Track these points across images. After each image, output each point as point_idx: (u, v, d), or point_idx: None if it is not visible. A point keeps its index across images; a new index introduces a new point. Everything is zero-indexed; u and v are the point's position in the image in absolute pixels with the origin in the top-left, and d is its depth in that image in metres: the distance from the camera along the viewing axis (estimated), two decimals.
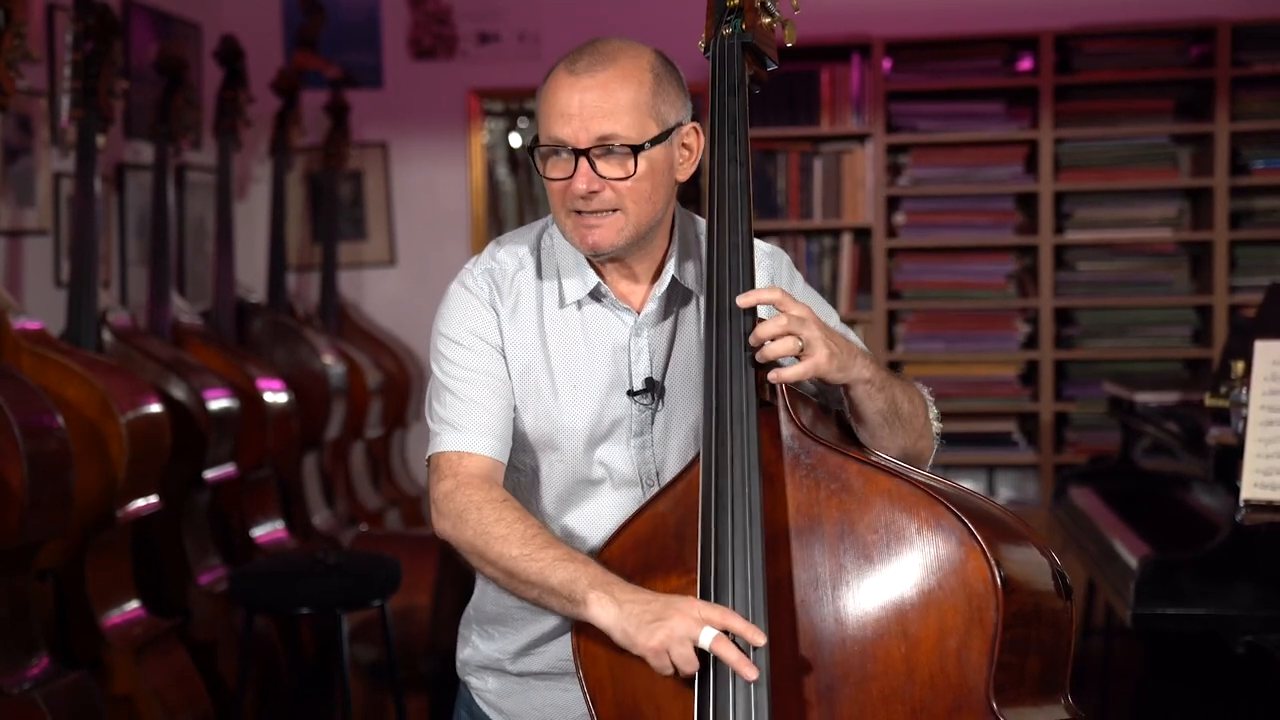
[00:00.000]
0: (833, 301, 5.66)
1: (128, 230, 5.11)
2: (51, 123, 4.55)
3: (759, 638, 1.77)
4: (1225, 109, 5.49)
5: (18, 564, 3.30)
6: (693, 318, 2.10)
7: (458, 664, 2.27)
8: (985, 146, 5.74)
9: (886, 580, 1.81)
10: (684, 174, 2.07)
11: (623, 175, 1.97)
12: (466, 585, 2.31)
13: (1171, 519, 3.84)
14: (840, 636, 1.82)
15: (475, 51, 6.07)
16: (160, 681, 3.75)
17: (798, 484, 1.87)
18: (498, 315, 2.08)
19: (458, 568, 4.50)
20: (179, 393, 4.22)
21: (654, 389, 2.07)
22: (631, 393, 2.06)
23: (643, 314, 2.07)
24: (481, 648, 2.21)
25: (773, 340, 1.88)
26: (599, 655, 1.91)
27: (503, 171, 7.33)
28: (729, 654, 1.76)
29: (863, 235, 5.81)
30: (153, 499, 3.87)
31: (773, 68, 2.13)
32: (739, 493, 1.84)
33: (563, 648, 2.06)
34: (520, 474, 2.12)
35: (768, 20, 2.07)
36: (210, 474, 4.32)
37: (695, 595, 1.83)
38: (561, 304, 2.08)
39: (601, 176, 1.96)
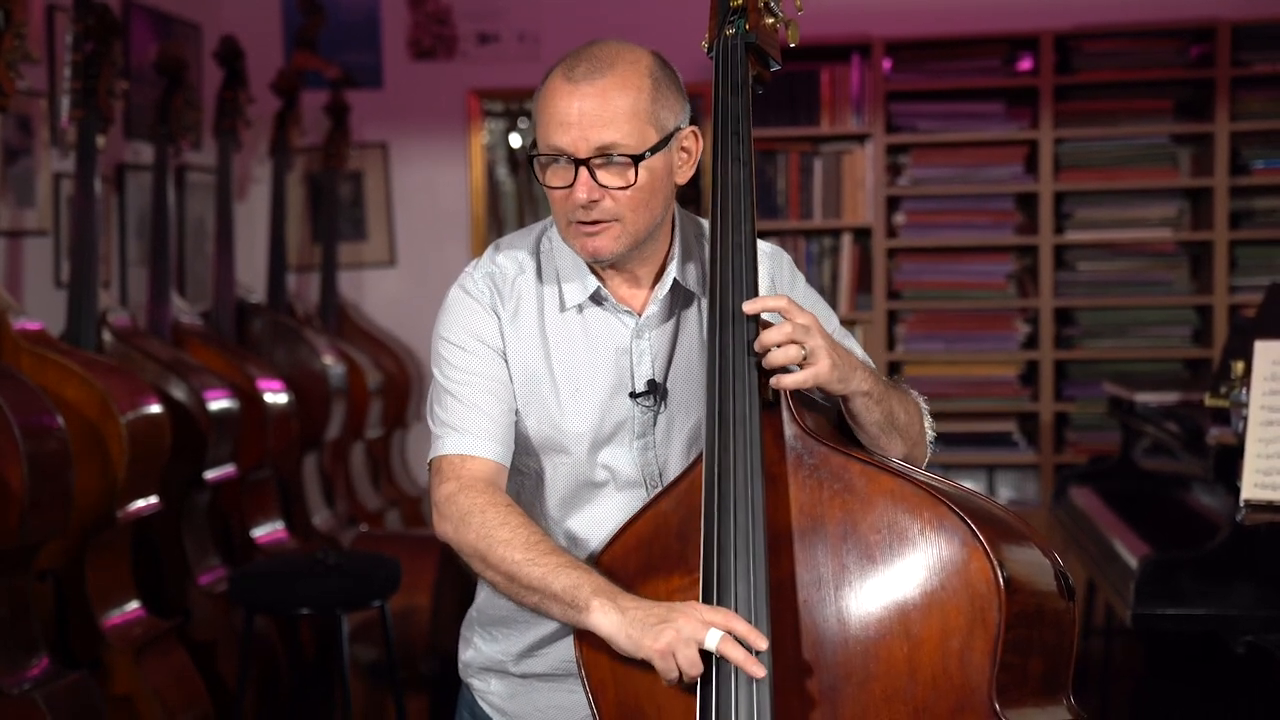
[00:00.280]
0: (832, 302, 5.65)
1: (128, 231, 5.10)
2: (51, 123, 4.55)
3: (761, 641, 1.77)
4: (1225, 109, 5.50)
5: (18, 564, 3.29)
6: (695, 319, 2.10)
7: (460, 666, 2.27)
8: (985, 146, 5.74)
9: (889, 580, 1.81)
10: (683, 177, 2.06)
11: (623, 185, 1.96)
12: (467, 586, 2.31)
13: (1172, 519, 3.84)
14: (843, 637, 1.82)
15: (475, 52, 6.07)
16: (160, 682, 3.75)
17: (800, 484, 1.87)
18: (499, 319, 2.08)
19: (458, 568, 4.50)
20: (179, 393, 4.21)
21: (656, 391, 2.07)
22: (634, 395, 2.06)
23: (644, 316, 2.07)
24: (484, 649, 2.20)
25: (777, 347, 1.87)
26: (601, 656, 1.90)
27: (503, 172, 7.32)
28: (735, 654, 1.76)
29: (863, 235, 5.82)
30: (153, 499, 3.87)
31: (776, 68, 2.13)
32: (741, 493, 1.83)
33: (566, 649, 2.06)
34: (524, 477, 2.12)
35: (771, 20, 2.06)
36: (210, 474, 4.32)
37: (698, 595, 1.83)
38: (562, 308, 2.08)
39: (601, 186, 1.96)
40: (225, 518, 4.59)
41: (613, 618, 1.82)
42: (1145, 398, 4.35)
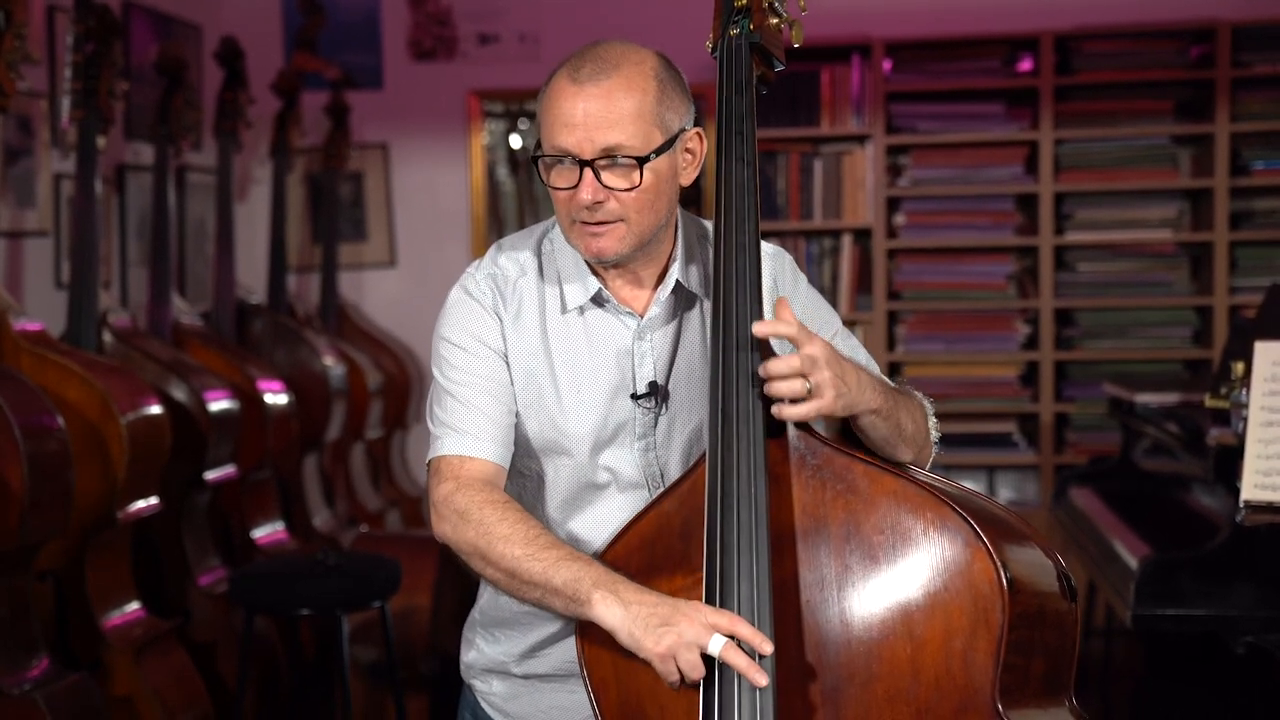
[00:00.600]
0: (833, 303, 5.64)
1: (128, 231, 5.10)
2: (52, 124, 4.55)
3: (766, 646, 1.76)
4: (1225, 110, 5.50)
5: (18, 564, 3.29)
6: (697, 321, 2.10)
7: (462, 667, 2.27)
8: (985, 147, 5.74)
9: (892, 581, 1.81)
10: (687, 179, 2.06)
11: (627, 186, 1.96)
12: (467, 586, 2.31)
13: (1172, 520, 3.84)
14: (846, 637, 1.82)
15: (475, 52, 6.07)
16: (160, 682, 3.74)
17: (803, 484, 1.87)
18: (501, 321, 2.07)
19: (458, 569, 4.50)
20: (179, 394, 4.21)
21: (658, 393, 2.06)
22: (635, 396, 2.06)
23: (646, 318, 2.07)
24: (486, 651, 2.20)
25: (782, 379, 1.84)
26: (603, 655, 1.90)
27: (503, 172, 7.32)
28: (738, 661, 1.75)
29: (863, 236, 5.82)
30: (153, 500, 3.87)
31: (780, 68, 2.13)
32: (744, 493, 1.83)
33: (568, 650, 2.06)
34: (526, 479, 2.12)
35: (775, 21, 2.06)
36: (210, 475, 4.32)
37: (700, 595, 1.83)
38: (564, 309, 2.07)
39: (606, 187, 1.95)
40: (225, 518, 4.59)
41: (615, 611, 1.81)
42: (1145, 398, 4.35)
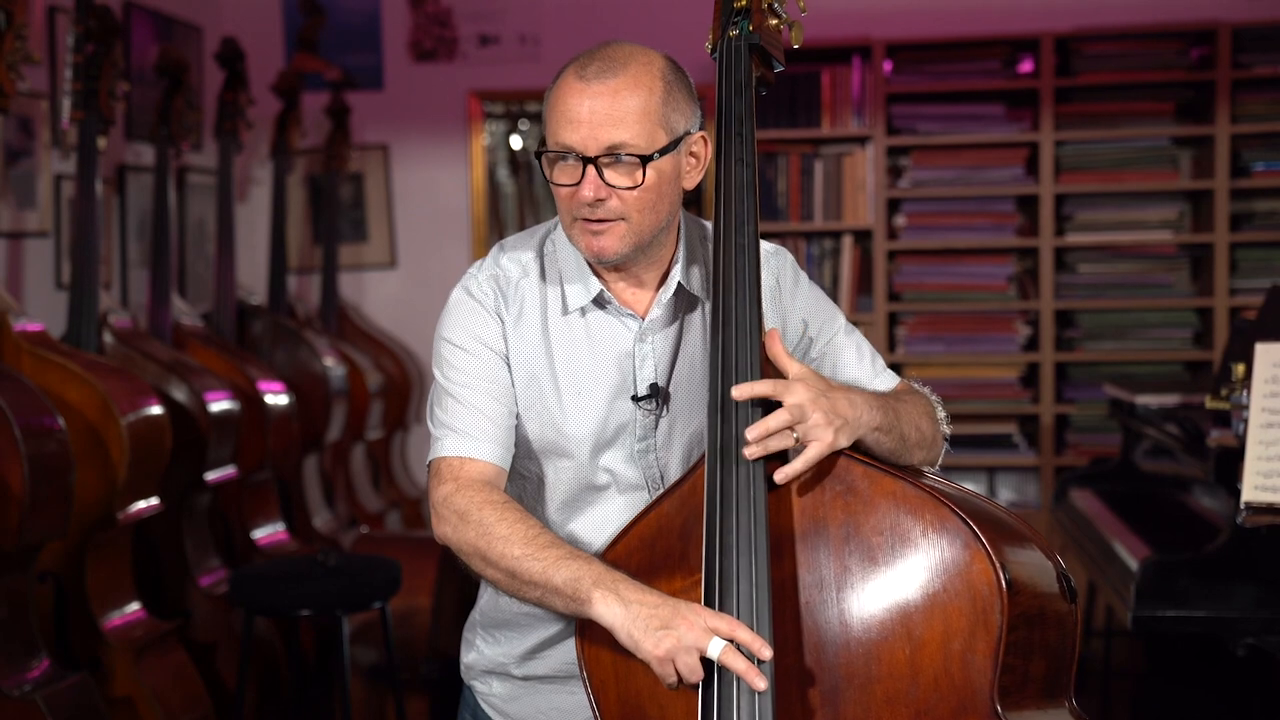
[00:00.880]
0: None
1: (128, 232, 5.11)
2: (52, 125, 4.55)
3: (766, 651, 1.76)
4: (1226, 111, 5.50)
5: (18, 565, 3.29)
6: (698, 323, 2.10)
7: (462, 668, 2.27)
8: (986, 149, 5.74)
9: (891, 582, 1.81)
10: (691, 182, 2.05)
11: (630, 184, 1.96)
12: (467, 587, 2.31)
13: (1172, 521, 3.84)
14: (845, 638, 1.82)
15: (476, 53, 6.07)
16: (160, 683, 3.74)
17: (803, 486, 1.87)
18: (503, 323, 2.07)
19: (458, 570, 4.49)
20: (180, 395, 4.22)
21: (658, 395, 2.06)
22: (636, 398, 2.06)
23: (647, 320, 2.07)
24: (486, 652, 2.20)
25: (770, 435, 1.83)
26: (603, 656, 1.90)
27: (503, 173, 7.33)
28: (737, 665, 1.75)
29: (863, 237, 5.82)
30: (153, 501, 3.87)
31: (779, 69, 2.13)
32: (744, 495, 1.83)
33: (568, 651, 2.06)
34: (526, 480, 2.11)
35: (775, 22, 2.06)
36: (211, 476, 4.32)
37: (699, 596, 1.83)
38: (565, 311, 2.07)
39: (609, 185, 1.95)
40: (226, 519, 4.59)
41: (615, 610, 1.81)
42: (1146, 400, 4.35)
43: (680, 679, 1.78)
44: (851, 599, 1.82)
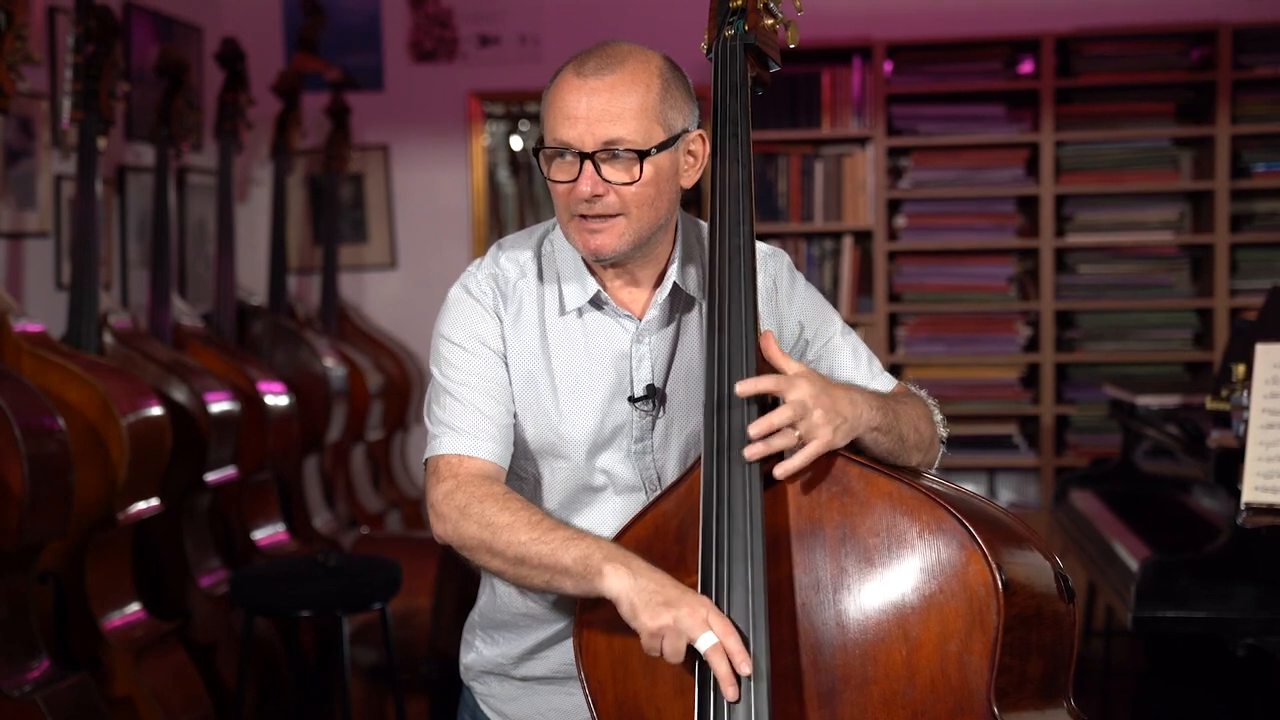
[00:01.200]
0: (833, 304, 5.64)
1: (129, 233, 5.11)
2: (53, 125, 4.55)
3: (745, 666, 1.75)
4: (1226, 112, 5.50)
5: (18, 566, 3.30)
6: (695, 324, 2.09)
7: (461, 668, 2.27)
8: (986, 149, 5.74)
9: (888, 583, 1.81)
10: (689, 181, 2.06)
11: (627, 180, 1.96)
12: (467, 588, 2.31)
13: (1172, 522, 3.84)
14: (841, 639, 1.82)
15: (476, 54, 6.07)
16: (160, 683, 3.74)
17: (799, 487, 1.87)
18: (501, 322, 2.07)
19: (459, 570, 4.50)
20: (180, 395, 4.22)
21: (655, 396, 2.06)
22: (633, 399, 2.06)
23: (644, 320, 2.07)
24: (485, 652, 2.20)
25: (773, 432, 1.83)
26: (601, 656, 1.90)
27: (504, 174, 7.33)
28: (720, 667, 1.75)
29: (864, 238, 5.82)
30: (153, 501, 3.87)
31: (775, 69, 2.13)
32: (740, 497, 1.83)
33: (566, 652, 2.06)
34: (523, 481, 2.11)
35: (770, 21, 2.06)
36: (211, 476, 4.32)
37: None
38: (562, 311, 2.07)
39: (606, 180, 1.96)
40: (226, 520, 4.59)
41: (625, 581, 1.81)
42: (1146, 400, 4.35)
43: (663, 659, 1.78)
44: (848, 600, 1.82)
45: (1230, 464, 3.37)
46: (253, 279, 5.78)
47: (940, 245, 5.74)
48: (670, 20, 5.25)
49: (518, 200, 7.51)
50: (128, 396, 3.74)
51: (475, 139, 6.14)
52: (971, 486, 5.30)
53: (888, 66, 5.73)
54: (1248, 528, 3.21)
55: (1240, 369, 3.36)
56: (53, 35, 4.54)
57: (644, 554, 1.91)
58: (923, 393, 2.14)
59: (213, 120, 5.30)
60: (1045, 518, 5.37)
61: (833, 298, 5.73)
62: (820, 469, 1.87)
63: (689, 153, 2.04)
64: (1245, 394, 3.29)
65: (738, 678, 1.76)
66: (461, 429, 2.03)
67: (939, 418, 2.11)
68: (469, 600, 2.28)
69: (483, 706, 2.23)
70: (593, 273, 2.07)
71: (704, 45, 2.08)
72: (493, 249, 2.15)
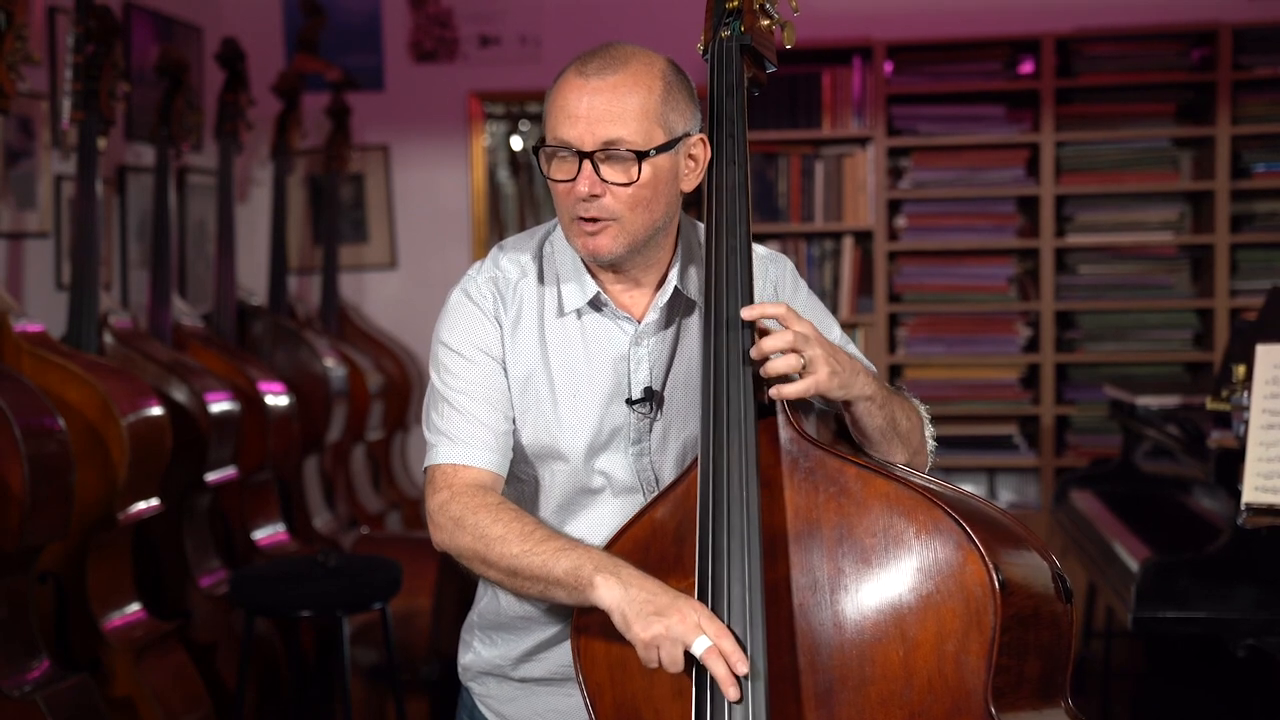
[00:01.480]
0: (834, 305, 5.66)
1: (129, 233, 5.11)
2: (53, 125, 4.55)
3: (742, 665, 1.76)
4: (1226, 112, 5.49)
5: (19, 566, 3.30)
6: (695, 328, 2.09)
7: (460, 669, 2.27)
8: (986, 149, 5.74)
9: (885, 584, 1.81)
10: (689, 185, 2.05)
11: (626, 181, 1.96)
12: (467, 588, 2.31)
13: (1172, 522, 3.84)
14: (839, 640, 1.82)
15: (476, 54, 6.07)
16: (160, 684, 3.75)
17: (796, 488, 1.87)
18: (501, 328, 2.07)
19: (459, 571, 4.50)
20: (180, 395, 4.22)
21: (653, 398, 2.06)
22: (630, 402, 2.06)
23: (644, 323, 2.07)
24: (483, 653, 2.20)
25: (776, 355, 1.87)
26: (598, 658, 1.91)
27: (504, 174, 7.33)
28: (717, 669, 1.75)
29: (864, 238, 5.81)
30: (153, 501, 3.87)
31: (772, 70, 2.13)
32: (737, 497, 1.83)
33: (564, 654, 2.06)
34: (523, 484, 2.12)
35: (767, 22, 2.06)
36: (211, 476, 4.32)
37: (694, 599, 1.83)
38: (561, 312, 2.07)
39: (604, 180, 1.96)
40: (226, 520, 4.60)
41: (615, 591, 1.81)
42: (1146, 401, 4.35)
43: (662, 667, 1.78)
44: (845, 600, 1.82)
45: (1230, 464, 3.37)
46: (253, 279, 5.78)
47: (940, 246, 5.74)
48: (671, 20, 5.24)
49: (518, 200, 7.51)
50: (128, 396, 3.74)
51: (475, 139, 6.14)
52: (971, 487, 5.31)
53: (888, 67, 5.73)
54: (1248, 528, 3.21)
55: (1240, 369, 3.36)
56: (53, 35, 4.54)
57: (642, 555, 1.91)
58: (915, 401, 2.15)
59: (213, 120, 5.30)
60: (1045, 518, 5.37)
61: (833, 298, 5.74)
62: (817, 469, 1.87)
63: (689, 156, 2.04)
64: (1245, 394, 3.30)
65: (736, 677, 1.76)
66: (458, 438, 2.03)
67: (930, 430, 2.13)
68: (469, 601, 2.28)
69: (481, 707, 2.23)
70: (593, 274, 2.07)
71: (700, 46, 2.08)
72: (494, 250, 2.15)
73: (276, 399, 4.77)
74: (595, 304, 2.07)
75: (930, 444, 2.12)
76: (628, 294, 2.08)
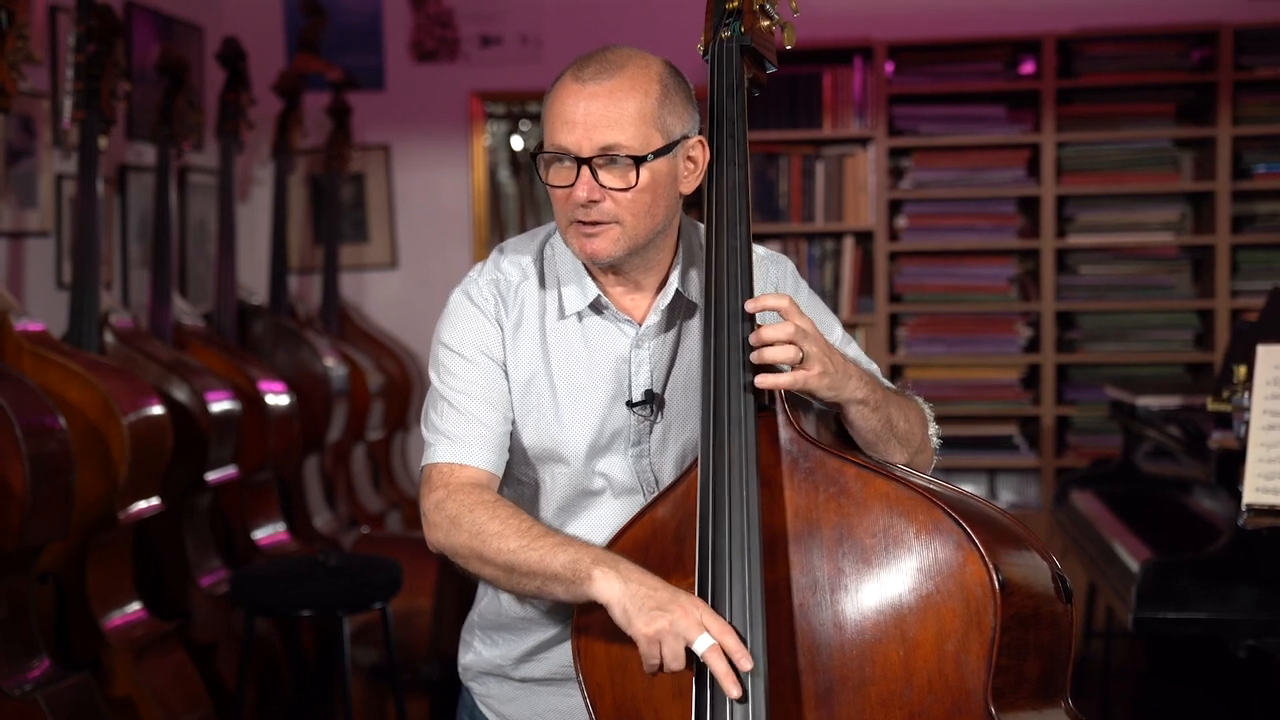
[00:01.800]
0: (834, 305, 5.66)
1: (129, 232, 5.11)
2: (54, 124, 4.55)
3: (745, 662, 1.76)
4: (1227, 113, 5.49)
5: (19, 565, 3.30)
6: (696, 330, 2.09)
7: (460, 669, 2.27)
8: (987, 150, 5.74)
9: (885, 584, 1.81)
10: (688, 187, 2.05)
11: (624, 186, 1.96)
12: (468, 588, 2.31)
13: (1173, 523, 3.84)
14: (839, 640, 1.82)
15: (477, 54, 6.07)
16: (161, 683, 3.75)
17: (796, 488, 1.87)
18: (502, 330, 2.07)
19: (458, 571, 4.49)
20: (180, 395, 4.22)
21: (653, 401, 2.06)
22: (631, 404, 2.06)
23: (644, 325, 2.07)
24: (484, 653, 2.21)
25: (774, 345, 1.87)
26: (599, 658, 1.91)
27: (504, 174, 7.33)
28: (718, 666, 1.75)
29: (865, 238, 5.81)
30: (154, 501, 3.87)
31: (772, 70, 2.13)
32: (736, 497, 1.83)
33: (564, 654, 2.06)
34: (523, 486, 2.12)
35: (767, 23, 2.06)
36: (211, 476, 4.32)
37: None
38: (561, 314, 2.07)
39: (603, 186, 1.95)
40: (226, 519, 4.60)
41: (614, 586, 1.81)
42: (1147, 401, 4.35)
43: (663, 664, 1.78)
44: (845, 601, 1.82)
45: (1231, 465, 3.37)
46: (253, 279, 5.78)
47: (941, 246, 5.74)
48: (671, 21, 5.25)
49: (519, 200, 7.51)
50: (129, 396, 3.74)
51: (476, 139, 6.14)
52: (971, 487, 5.31)
53: (889, 67, 5.73)
54: (1248, 529, 3.21)
55: (1241, 370, 3.36)
56: (54, 34, 4.54)
57: (642, 555, 1.91)
58: (919, 400, 2.15)
59: (214, 120, 5.30)
60: (1045, 518, 5.37)
61: (833, 298, 5.73)
62: (816, 469, 1.87)
63: (689, 159, 2.03)
64: (1246, 395, 3.29)
65: (737, 675, 1.76)
66: (456, 437, 2.03)
67: (934, 428, 2.12)
68: (469, 601, 2.28)
69: (481, 707, 2.23)
70: (594, 277, 2.07)
71: (700, 47, 2.08)
72: (495, 252, 2.15)
73: (277, 398, 4.77)
74: (596, 307, 2.07)
75: (934, 442, 2.12)
76: (628, 297, 2.08)
